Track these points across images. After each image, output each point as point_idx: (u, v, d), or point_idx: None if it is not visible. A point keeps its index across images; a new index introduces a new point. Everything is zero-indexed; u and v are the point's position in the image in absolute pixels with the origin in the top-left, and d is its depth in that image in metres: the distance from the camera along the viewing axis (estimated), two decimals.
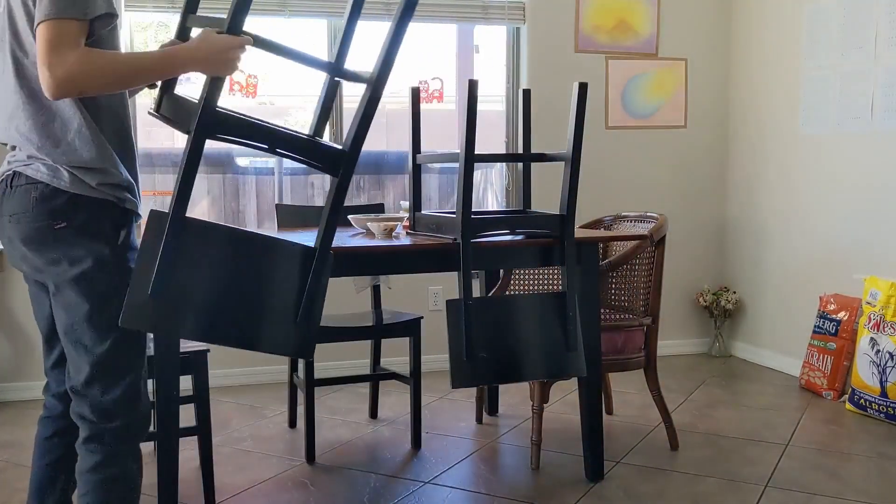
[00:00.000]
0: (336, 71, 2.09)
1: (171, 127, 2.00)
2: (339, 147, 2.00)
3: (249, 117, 1.93)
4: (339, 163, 1.98)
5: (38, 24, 1.66)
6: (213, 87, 1.81)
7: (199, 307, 1.88)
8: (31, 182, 1.79)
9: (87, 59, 1.67)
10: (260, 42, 1.87)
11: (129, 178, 1.88)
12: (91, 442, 1.85)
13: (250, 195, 4.50)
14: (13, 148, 1.86)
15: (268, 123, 1.94)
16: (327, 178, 2.67)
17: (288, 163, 4.38)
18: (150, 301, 1.81)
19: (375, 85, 1.98)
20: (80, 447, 1.87)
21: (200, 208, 4.40)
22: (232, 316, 1.92)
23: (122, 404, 1.85)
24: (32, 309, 2.04)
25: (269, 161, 4.50)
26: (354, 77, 2.09)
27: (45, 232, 1.79)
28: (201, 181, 4.34)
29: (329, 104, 2.22)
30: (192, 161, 1.83)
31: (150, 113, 1.99)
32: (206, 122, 1.82)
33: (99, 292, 1.82)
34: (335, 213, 2.01)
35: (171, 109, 1.93)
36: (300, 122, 4.65)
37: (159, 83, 1.93)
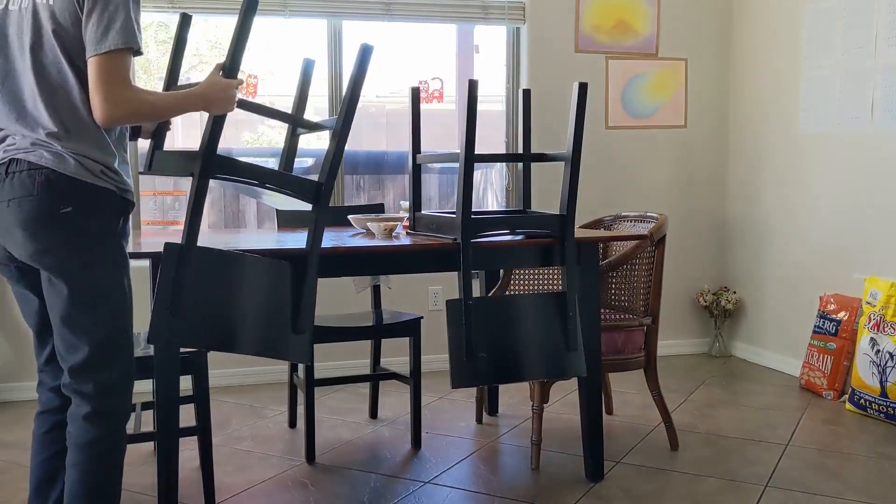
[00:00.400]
0: (298, 123, 2.55)
1: (168, 176, 2.19)
2: (315, 181, 2.30)
3: (241, 161, 2.22)
4: (318, 193, 2.29)
5: (104, 52, 1.78)
6: (214, 130, 2.05)
7: (213, 322, 2.14)
8: (35, 167, 1.83)
9: (140, 98, 1.85)
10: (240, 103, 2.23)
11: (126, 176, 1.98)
12: (95, 417, 1.91)
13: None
14: (2, 140, 1.90)
15: (257, 164, 2.23)
16: None
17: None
18: (171, 319, 2.06)
19: (340, 137, 2.29)
20: (77, 419, 1.92)
21: None
22: (242, 327, 2.19)
23: (122, 381, 1.96)
24: (20, 308, 2.08)
25: (269, 163, 4.50)
26: (315, 126, 2.52)
27: (50, 215, 1.83)
28: None
29: (294, 149, 2.67)
30: (199, 197, 2.10)
31: (141, 173, 2.26)
32: (209, 165, 2.08)
33: (97, 278, 1.89)
34: (321, 229, 2.33)
35: (160, 165, 2.20)
36: None
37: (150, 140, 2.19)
